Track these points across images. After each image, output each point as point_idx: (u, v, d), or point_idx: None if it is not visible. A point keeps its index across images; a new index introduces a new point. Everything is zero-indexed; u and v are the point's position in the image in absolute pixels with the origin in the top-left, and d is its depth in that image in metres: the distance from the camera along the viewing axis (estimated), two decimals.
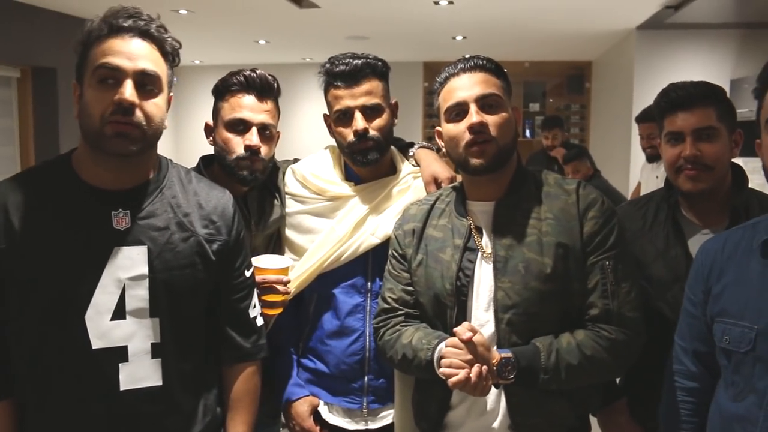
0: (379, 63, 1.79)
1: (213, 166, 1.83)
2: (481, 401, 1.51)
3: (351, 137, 1.75)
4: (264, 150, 1.76)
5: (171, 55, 1.40)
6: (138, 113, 1.30)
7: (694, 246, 1.65)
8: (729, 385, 1.35)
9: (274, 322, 1.86)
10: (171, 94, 1.43)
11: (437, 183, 1.80)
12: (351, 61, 1.75)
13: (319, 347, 1.84)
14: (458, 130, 1.51)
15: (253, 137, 1.73)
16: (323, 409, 1.85)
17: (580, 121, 8.92)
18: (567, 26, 6.11)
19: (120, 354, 1.34)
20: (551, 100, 9.15)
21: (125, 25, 1.33)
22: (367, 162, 1.78)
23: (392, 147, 1.89)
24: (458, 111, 1.52)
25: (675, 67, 5.79)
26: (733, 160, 1.72)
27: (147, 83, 1.33)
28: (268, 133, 1.77)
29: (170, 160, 1.51)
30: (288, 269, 1.75)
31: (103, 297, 1.33)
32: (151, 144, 1.38)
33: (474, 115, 1.49)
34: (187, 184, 1.48)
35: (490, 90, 1.52)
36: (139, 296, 1.35)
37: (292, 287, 1.80)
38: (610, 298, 1.47)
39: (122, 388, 1.34)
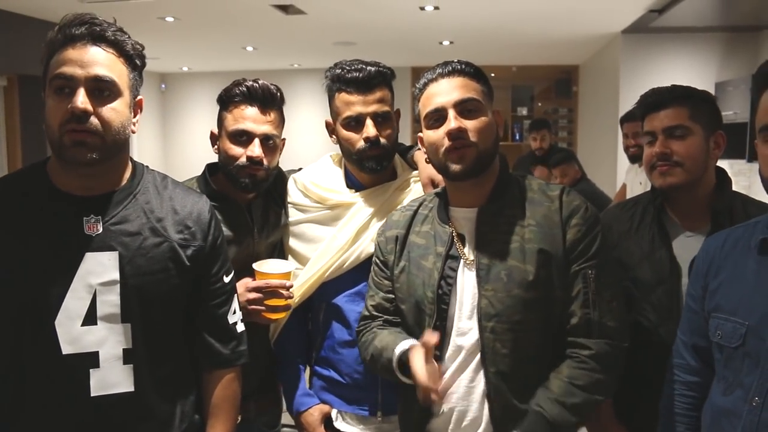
0: (388, 72, 1.80)
1: (218, 174, 1.84)
2: (465, 411, 1.49)
3: (361, 144, 1.74)
4: (267, 160, 1.76)
5: (133, 58, 1.39)
6: (93, 120, 1.30)
7: (678, 248, 1.68)
8: (720, 379, 1.38)
9: (280, 332, 1.87)
10: (139, 97, 1.43)
11: (434, 185, 1.80)
12: (364, 67, 1.74)
13: (331, 356, 1.83)
14: (437, 136, 1.50)
15: (255, 149, 1.74)
16: (336, 418, 1.84)
17: (567, 125, 8.97)
18: (553, 31, 6.16)
19: (91, 360, 1.34)
20: (539, 104, 9.20)
21: (78, 32, 1.32)
22: (377, 169, 1.78)
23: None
24: (437, 117, 1.51)
25: (660, 70, 5.84)
26: (719, 161, 1.74)
27: (103, 89, 1.32)
28: (271, 143, 1.78)
29: (146, 166, 1.51)
30: (290, 274, 1.75)
31: (74, 302, 1.33)
32: (114, 150, 1.36)
33: (452, 121, 1.47)
34: (162, 190, 1.48)
35: (468, 95, 1.50)
36: (110, 302, 1.35)
37: (296, 296, 1.80)
38: (591, 307, 1.46)
39: (93, 394, 1.34)
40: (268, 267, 1.73)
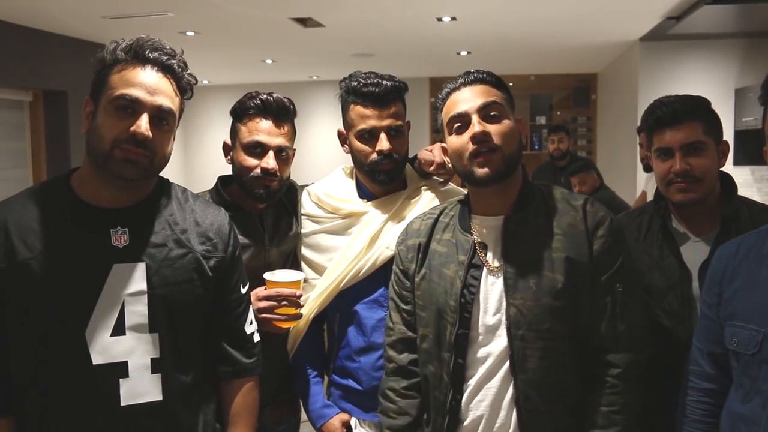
0: (403, 85, 1.83)
1: (231, 186, 1.88)
2: (493, 417, 1.51)
3: (374, 156, 1.78)
4: (280, 171, 1.81)
5: (185, 91, 1.46)
6: (149, 145, 1.35)
7: (687, 254, 1.71)
8: (738, 386, 1.38)
9: (297, 345, 1.89)
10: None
11: (431, 162, 1.86)
12: (380, 82, 1.77)
13: (348, 364, 1.85)
14: (461, 141, 1.52)
15: (270, 161, 1.78)
16: (355, 426, 1.86)
17: (587, 133, 8.94)
18: (571, 39, 6.15)
19: (120, 369, 1.36)
20: (558, 113, 9.17)
21: (150, 56, 1.38)
22: (389, 181, 1.82)
23: None
24: (461, 123, 1.53)
25: (679, 78, 5.81)
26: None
27: (162, 118, 1.38)
28: (284, 155, 1.83)
29: (166, 179, 1.54)
30: (300, 282, 1.78)
31: (103, 313, 1.35)
32: (156, 173, 1.43)
33: (476, 125, 1.49)
34: (184, 203, 1.52)
35: (491, 98, 1.52)
36: (138, 312, 1.38)
37: (315, 305, 1.83)
38: (619, 320, 1.48)
39: (123, 403, 1.36)
40: (278, 276, 1.76)
